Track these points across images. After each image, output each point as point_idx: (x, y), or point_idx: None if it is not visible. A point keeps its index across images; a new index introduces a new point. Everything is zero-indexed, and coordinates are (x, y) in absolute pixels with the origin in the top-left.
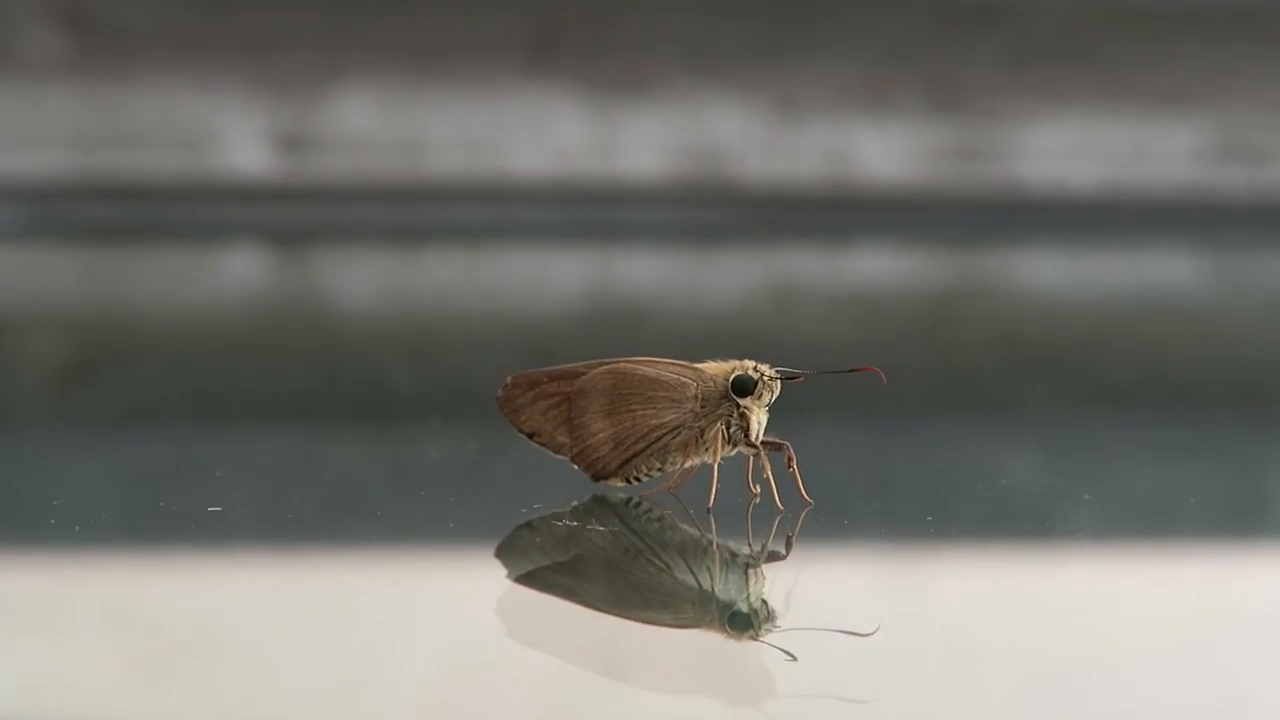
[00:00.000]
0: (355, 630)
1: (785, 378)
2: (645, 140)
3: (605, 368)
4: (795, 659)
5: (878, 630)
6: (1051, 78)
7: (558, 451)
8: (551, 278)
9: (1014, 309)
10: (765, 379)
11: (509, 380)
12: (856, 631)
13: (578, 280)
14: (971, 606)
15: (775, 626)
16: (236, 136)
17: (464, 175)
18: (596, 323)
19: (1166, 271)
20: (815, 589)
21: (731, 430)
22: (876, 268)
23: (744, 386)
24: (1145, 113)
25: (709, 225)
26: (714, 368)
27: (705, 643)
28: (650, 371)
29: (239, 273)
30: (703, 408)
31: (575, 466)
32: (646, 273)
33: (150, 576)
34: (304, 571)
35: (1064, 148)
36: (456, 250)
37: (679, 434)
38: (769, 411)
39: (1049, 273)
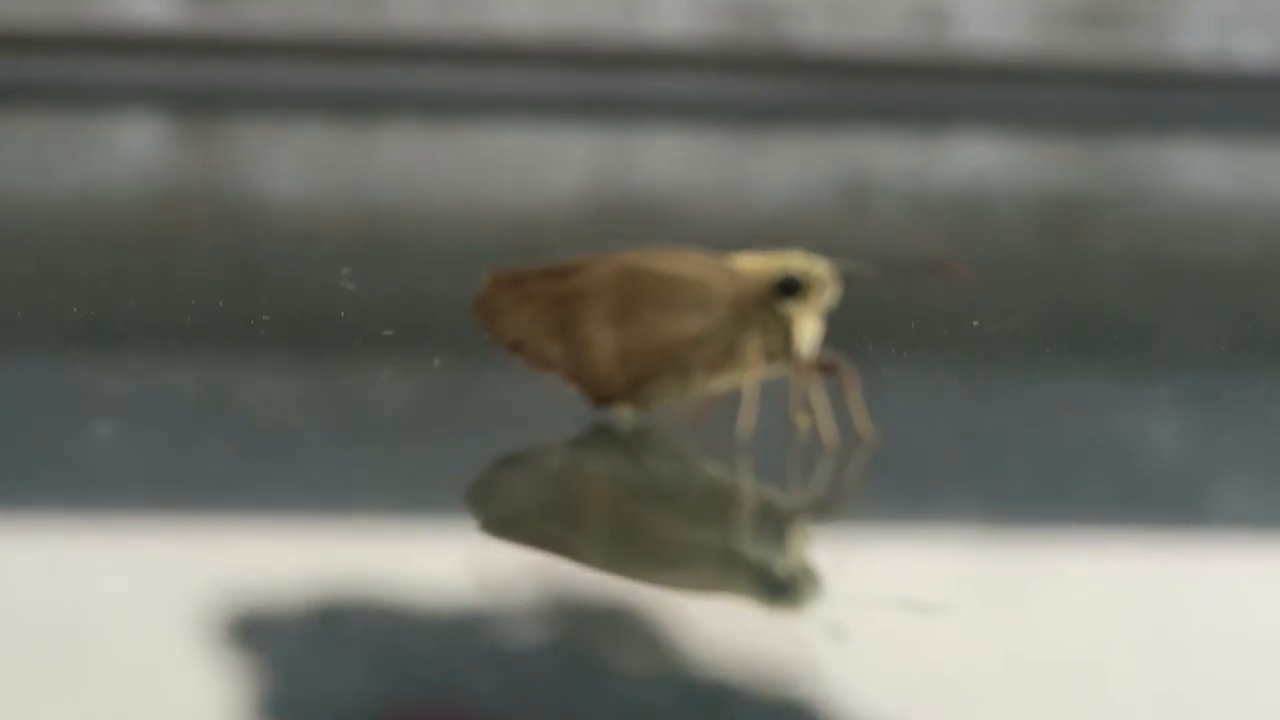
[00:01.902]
0: (282, 618)
1: (846, 277)
2: None
3: (611, 262)
4: (843, 639)
5: (952, 613)
6: None
7: (549, 368)
8: (547, 164)
9: (1159, 218)
10: (817, 276)
11: (488, 277)
12: (923, 610)
13: (582, 168)
14: (1083, 601)
15: (819, 597)
16: None
17: (431, 27)
18: (605, 222)
19: None
20: (873, 554)
21: (772, 342)
22: (978, 160)
23: (789, 285)
24: None
25: (757, 100)
26: (752, 262)
27: (732, 614)
28: (668, 267)
29: (134, 146)
30: (735, 313)
31: (572, 387)
32: (673, 160)
33: (6, 549)
34: (214, 541)
35: (1226, 8)
36: (419, 124)
37: (704, 346)
38: (823, 322)
39: (1206, 171)
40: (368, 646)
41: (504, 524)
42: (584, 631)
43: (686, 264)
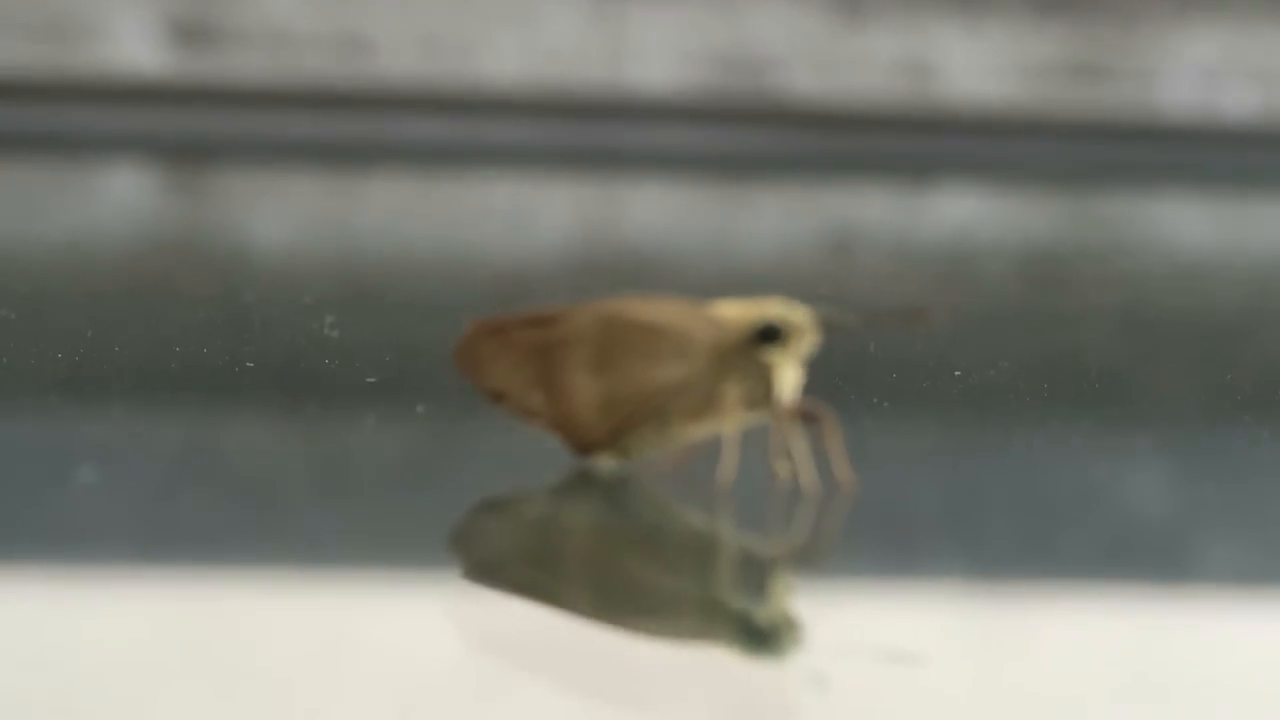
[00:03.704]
0: (266, 669)
1: (826, 324)
2: (662, 41)
3: (592, 311)
4: (824, 688)
5: (934, 663)
6: None
7: (531, 416)
8: (533, 214)
9: (1144, 271)
10: (797, 323)
11: (470, 326)
12: (905, 661)
13: (567, 218)
14: (1065, 653)
15: (801, 646)
16: (122, 25)
17: (420, 81)
18: (591, 271)
19: None
20: (855, 604)
21: (752, 389)
22: (963, 213)
23: (769, 332)
24: None
25: (743, 152)
26: (732, 310)
27: (712, 663)
28: (648, 315)
29: (121, 196)
30: (715, 361)
31: (553, 435)
32: (659, 211)
33: None
34: (198, 592)
35: (1213, 62)
36: (405, 173)
37: (684, 395)
38: (804, 370)
39: (1191, 224)
40: (352, 695)
41: (486, 570)
42: (563, 680)
43: (666, 312)
